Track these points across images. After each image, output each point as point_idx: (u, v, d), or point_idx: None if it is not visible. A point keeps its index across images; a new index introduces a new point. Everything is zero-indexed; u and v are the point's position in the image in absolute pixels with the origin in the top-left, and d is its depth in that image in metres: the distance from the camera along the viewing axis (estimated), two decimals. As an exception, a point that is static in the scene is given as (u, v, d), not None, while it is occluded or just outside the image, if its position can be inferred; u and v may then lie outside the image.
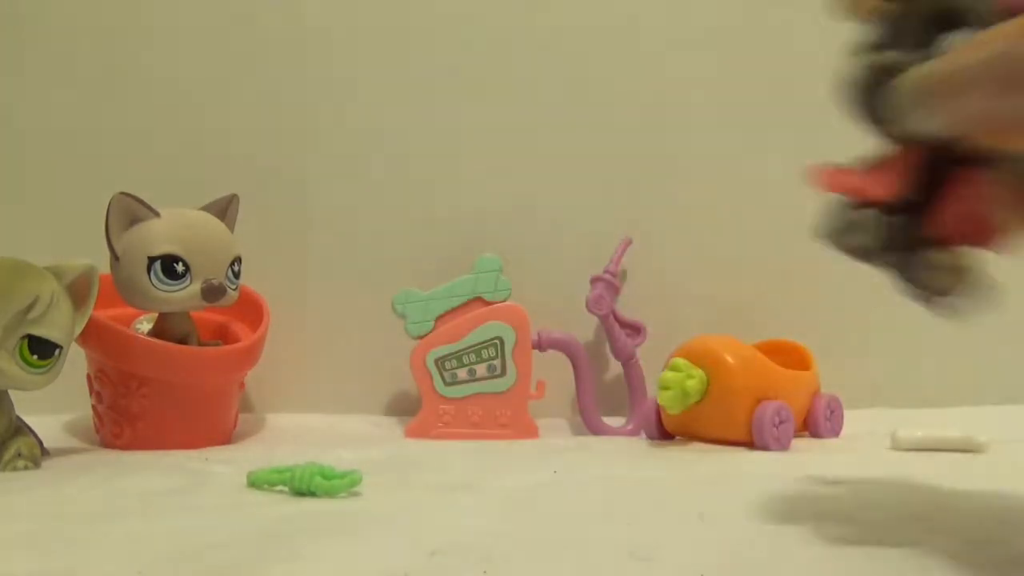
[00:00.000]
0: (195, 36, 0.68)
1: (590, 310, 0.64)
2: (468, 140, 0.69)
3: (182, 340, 0.54)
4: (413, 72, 0.69)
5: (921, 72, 0.22)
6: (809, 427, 0.58)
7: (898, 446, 0.52)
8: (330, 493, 0.36)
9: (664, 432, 0.56)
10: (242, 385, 0.59)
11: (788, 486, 0.38)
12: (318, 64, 0.68)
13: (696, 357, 0.53)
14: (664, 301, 0.68)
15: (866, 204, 0.25)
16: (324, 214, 0.68)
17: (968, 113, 0.20)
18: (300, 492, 0.36)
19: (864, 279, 0.31)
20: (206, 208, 0.54)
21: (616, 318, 0.64)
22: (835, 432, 0.59)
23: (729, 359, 0.53)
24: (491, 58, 0.69)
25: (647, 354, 0.64)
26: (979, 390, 0.68)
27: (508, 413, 0.60)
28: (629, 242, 0.66)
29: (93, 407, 0.54)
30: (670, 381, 0.52)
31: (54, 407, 0.56)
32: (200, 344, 0.56)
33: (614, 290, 0.64)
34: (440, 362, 0.60)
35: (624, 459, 0.50)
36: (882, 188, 0.25)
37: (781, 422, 0.52)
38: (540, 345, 0.62)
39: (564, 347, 0.63)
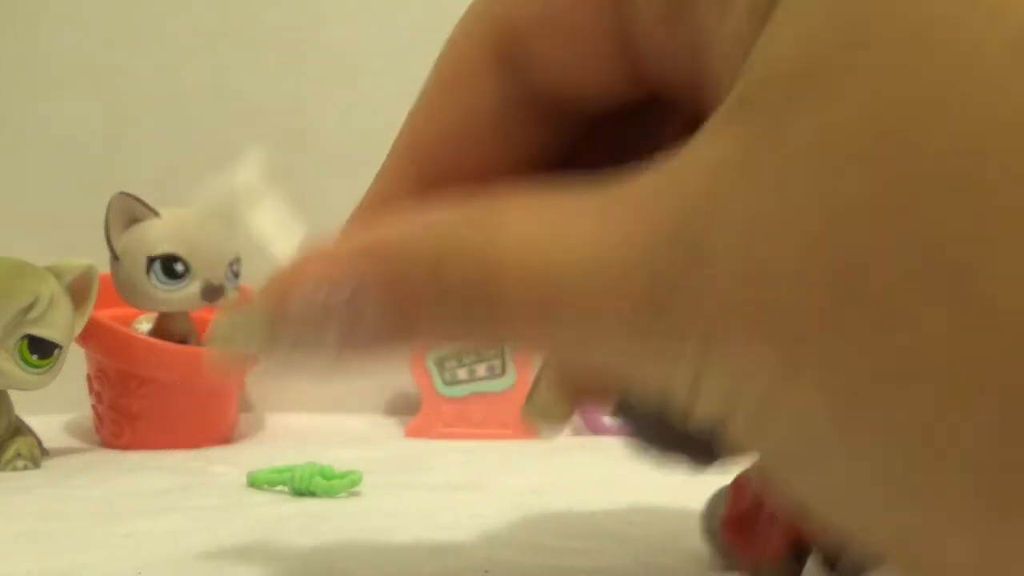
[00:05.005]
0: (195, 35, 0.68)
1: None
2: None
3: (182, 340, 0.54)
4: (413, 72, 0.68)
5: None
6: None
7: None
8: (330, 493, 0.36)
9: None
10: (242, 385, 0.59)
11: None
12: (318, 64, 0.68)
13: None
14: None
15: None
16: (324, 214, 0.68)
17: None
18: (300, 492, 0.36)
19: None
20: (206, 208, 0.54)
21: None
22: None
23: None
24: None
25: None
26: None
27: (508, 413, 0.59)
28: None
29: (93, 407, 0.54)
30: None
31: (54, 407, 0.56)
32: (200, 344, 0.56)
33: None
34: (440, 362, 0.59)
35: (624, 459, 0.50)
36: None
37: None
38: (540, 345, 0.62)
39: (564, 347, 0.63)
